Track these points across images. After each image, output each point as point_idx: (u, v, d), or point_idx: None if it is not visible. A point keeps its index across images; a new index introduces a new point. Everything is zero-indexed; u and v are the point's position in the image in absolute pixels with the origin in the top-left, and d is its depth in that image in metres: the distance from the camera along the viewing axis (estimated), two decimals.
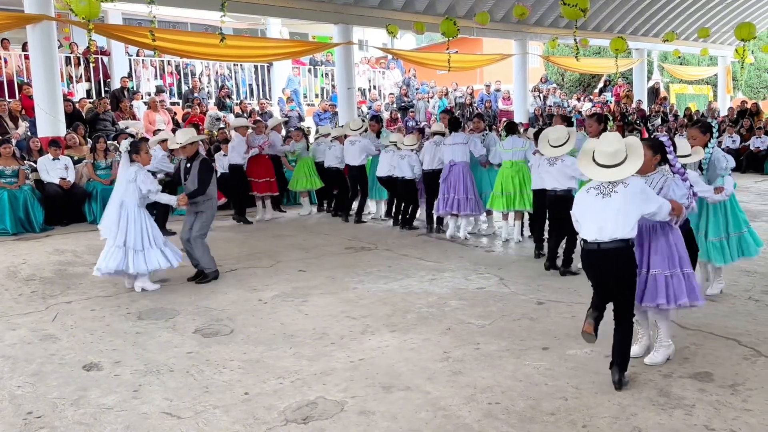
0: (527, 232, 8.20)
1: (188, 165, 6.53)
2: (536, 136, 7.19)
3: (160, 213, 8.32)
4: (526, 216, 8.14)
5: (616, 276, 3.78)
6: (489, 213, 8.67)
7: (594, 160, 3.84)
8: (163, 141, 8.99)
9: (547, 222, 6.87)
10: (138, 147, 6.23)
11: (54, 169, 9.81)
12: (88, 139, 11.29)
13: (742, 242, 5.35)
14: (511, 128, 8.08)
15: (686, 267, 4.05)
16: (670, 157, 4.05)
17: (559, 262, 6.45)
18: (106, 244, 6.11)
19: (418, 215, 9.35)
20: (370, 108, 17.59)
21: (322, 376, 4.06)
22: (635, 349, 4.16)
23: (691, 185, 4.09)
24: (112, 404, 3.75)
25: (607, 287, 3.83)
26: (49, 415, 3.64)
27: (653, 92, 22.84)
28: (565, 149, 6.23)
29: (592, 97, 22.79)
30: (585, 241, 3.82)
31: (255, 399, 3.77)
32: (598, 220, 3.75)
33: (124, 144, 6.25)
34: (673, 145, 4.11)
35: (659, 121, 19.39)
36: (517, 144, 7.77)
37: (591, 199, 3.82)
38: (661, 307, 4.00)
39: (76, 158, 10.41)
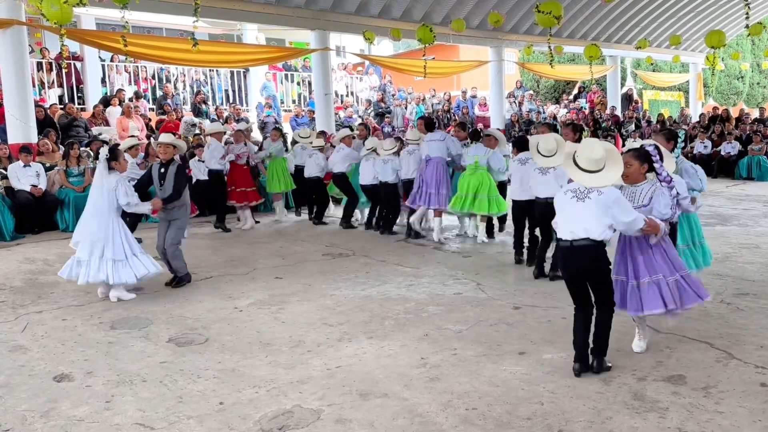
0: (481, 233, 8.45)
1: (162, 170, 6.48)
2: (518, 143, 7.26)
3: (130, 221, 8.21)
4: (496, 220, 8.62)
5: (588, 270, 3.97)
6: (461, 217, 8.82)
7: (576, 163, 3.95)
8: (132, 147, 8.83)
9: (533, 230, 6.96)
10: (116, 153, 6.16)
11: (25, 176, 9.62)
12: (61, 146, 11.11)
13: (702, 252, 5.41)
14: (476, 136, 8.35)
15: (681, 270, 4.22)
16: (656, 166, 4.17)
17: (546, 266, 6.49)
18: (81, 254, 5.97)
19: (399, 221, 9.41)
20: (349, 117, 17.57)
21: (299, 384, 4.02)
22: (639, 345, 4.39)
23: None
24: (84, 416, 3.67)
25: (581, 282, 4.02)
26: (18, 428, 3.55)
27: (627, 98, 23.17)
28: (557, 160, 5.98)
29: (566, 102, 23.03)
30: (560, 238, 4.03)
31: (230, 409, 3.72)
32: (571, 222, 3.94)
33: (103, 151, 6.17)
34: (660, 155, 4.21)
35: (633, 126, 19.66)
36: (479, 152, 8.09)
37: (567, 201, 3.99)
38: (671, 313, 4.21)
39: (48, 165, 10.22)
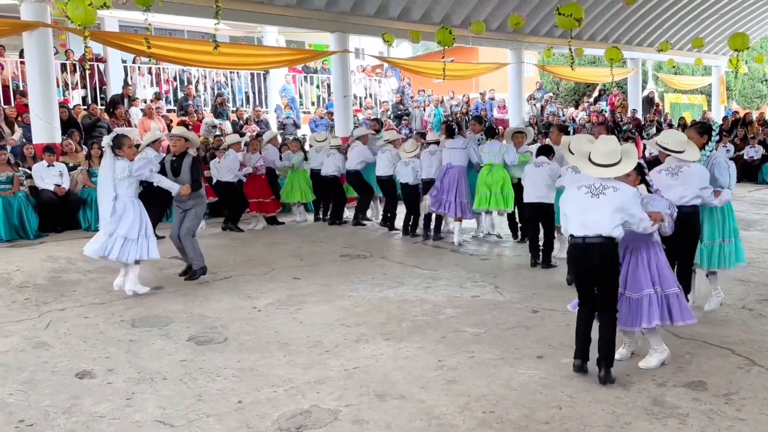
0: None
1: (175, 163, 6.59)
2: (541, 149, 7.26)
3: (152, 216, 8.29)
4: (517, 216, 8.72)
5: (599, 268, 3.95)
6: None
7: (590, 159, 4.04)
8: (156, 141, 8.89)
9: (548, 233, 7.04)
10: (121, 141, 6.10)
11: (49, 176, 9.78)
12: (84, 146, 11.26)
13: (730, 250, 5.23)
14: (491, 133, 8.54)
15: (672, 287, 4.17)
16: (648, 179, 4.31)
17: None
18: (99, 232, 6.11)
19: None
20: (367, 119, 17.60)
21: (316, 385, 4.04)
22: (621, 352, 4.29)
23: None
24: (105, 412, 3.73)
25: (590, 280, 4.02)
26: (41, 423, 3.61)
27: (648, 101, 22.92)
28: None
29: (586, 105, 22.86)
30: (572, 235, 4.02)
31: (248, 407, 3.75)
32: (585, 217, 3.94)
33: (107, 139, 6.18)
34: (648, 165, 4.37)
35: (654, 130, 19.45)
36: (494, 148, 8.26)
37: (581, 197, 4.00)
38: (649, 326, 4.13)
39: (71, 165, 10.38)
